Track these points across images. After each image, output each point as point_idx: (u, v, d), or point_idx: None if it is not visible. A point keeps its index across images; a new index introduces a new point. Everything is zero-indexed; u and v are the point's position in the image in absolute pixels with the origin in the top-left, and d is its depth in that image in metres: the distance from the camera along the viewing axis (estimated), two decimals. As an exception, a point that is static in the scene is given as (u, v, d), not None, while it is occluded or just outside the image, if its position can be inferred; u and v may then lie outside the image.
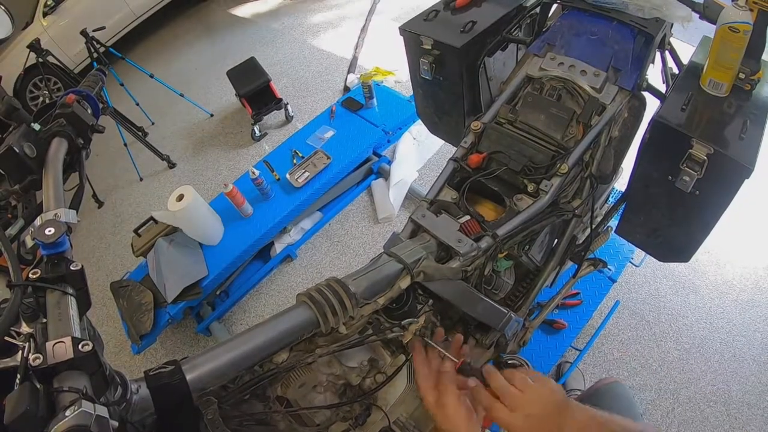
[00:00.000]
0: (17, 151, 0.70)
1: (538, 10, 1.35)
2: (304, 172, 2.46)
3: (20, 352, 0.50)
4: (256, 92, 3.21)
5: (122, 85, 3.43)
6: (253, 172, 2.34)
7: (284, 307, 0.67)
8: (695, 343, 1.91)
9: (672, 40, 1.28)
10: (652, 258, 1.45)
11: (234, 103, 3.69)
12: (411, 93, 1.91)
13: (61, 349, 0.47)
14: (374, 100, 2.73)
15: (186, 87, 3.84)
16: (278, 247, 2.53)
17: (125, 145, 3.41)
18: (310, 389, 0.84)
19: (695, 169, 0.98)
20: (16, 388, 0.45)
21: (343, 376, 0.85)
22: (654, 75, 1.24)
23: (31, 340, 0.50)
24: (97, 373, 0.49)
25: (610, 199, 1.75)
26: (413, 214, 0.95)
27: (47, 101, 0.89)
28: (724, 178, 0.98)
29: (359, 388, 0.87)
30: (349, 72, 3.62)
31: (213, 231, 2.32)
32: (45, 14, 4.34)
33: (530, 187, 1.03)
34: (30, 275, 0.55)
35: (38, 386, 0.45)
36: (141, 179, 3.49)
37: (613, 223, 1.46)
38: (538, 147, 1.07)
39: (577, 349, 1.86)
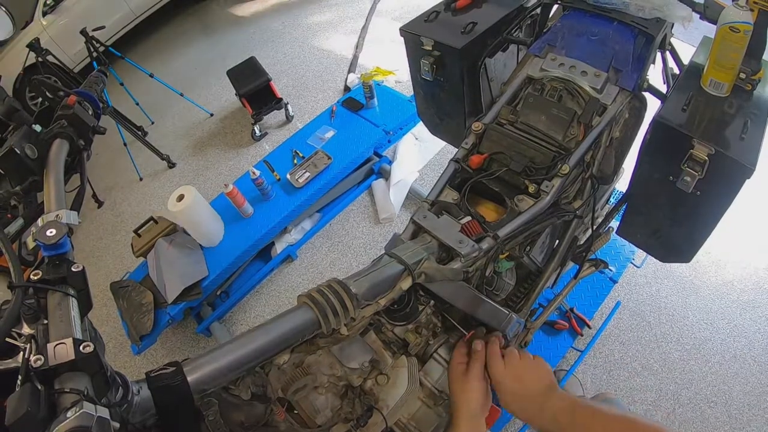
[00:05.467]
0: (18, 152, 0.70)
1: (538, 10, 1.35)
2: (304, 172, 2.46)
3: (21, 353, 0.50)
4: (257, 92, 3.21)
5: (122, 84, 3.43)
6: (254, 172, 2.34)
7: (285, 308, 0.67)
8: (696, 344, 1.91)
9: (673, 40, 1.28)
10: (653, 259, 1.45)
11: (234, 103, 3.69)
12: (412, 93, 1.91)
13: (62, 350, 0.47)
14: (375, 100, 2.73)
15: (186, 86, 3.84)
16: (279, 248, 2.53)
17: (125, 144, 3.41)
18: (311, 390, 0.84)
19: (696, 169, 0.98)
20: (17, 389, 0.44)
21: (345, 377, 0.85)
22: (655, 75, 1.24)
23: (33, 341, 0.50)
24: (98, 375, 0.49)
25: (611, 199, 1.75)
26: (414, 215, 0.95)
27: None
28: (725, 179, 0.98)
29: (360, 389, 0.87)
30: (349, 72, 3.62)
31: (213, 232, 2.32)
32: (45, 13, 4.33)
33: (531, 188, 1.03)
34: (31, 276, 0.55)
35: (39, 387, 0.45)
36: (141, 179, 3.49)
37: (614, 223, 1.46)
38: (539, 148, 1.07)
39: (578, 350, 1.86)
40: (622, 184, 1.49)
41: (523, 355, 0.82)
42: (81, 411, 0.42)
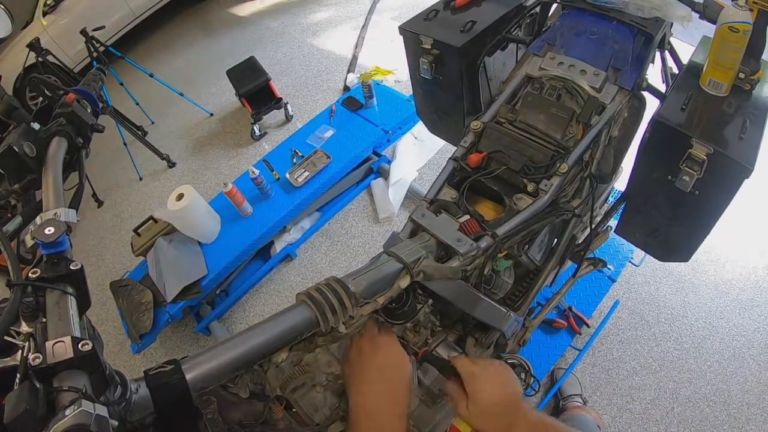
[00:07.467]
0: (17, 150, 0.70)
1: (538, 9, 1.35)
2: (303, 172, 2.46)
3: (20, 351, 0.49)
4: (256, 91, 3.21)
5: (122, 84, 3.43)
6: (253, 172, 2.34)
7: (284, 307, 0.67)
8: (695, 343, 1.91)
9: (672, 39, 1.28)
10: (652, 258, 1.45)
11: (234, 103, 3.69)
12: (411, 92, 1.91)
13: (60, 348, 0.47)
14: (374, 99, 2.73)
15: (186, 86, 3.84)
16: (278, 247, 2.53)
17: (125, 144, 3.41)
18: (310, 388, 0.84)
19: (695, 168, 0.98)
20: (15, 387, 0.45)
21: (343, 375, 0.85)
22: (654, 75, 1.24)
23: (31, 339, 0.50)
24: (96, 373, 0.49)
25: (609, 198, 1.75)
26: (413, 214, 0.95)
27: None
28: (724, 178, 0.98)
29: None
30: (348, 71, 3.62)
31: (211, 230, 2.33)
32: (45, 13, 4.33)
33: (530, 187, 1.03)
34: (30, 274, 0.55)
35: (38, 386, 0.44)
36: (141, 179, 3.49)
37: (613, 222, 1.46)
38: (537, 146, 1.07)
39: (576, 349, 1.86)
40: (620, 183, 1.49)
41: (484, 368, 0.76)
42: (79, 409, 0.42)
